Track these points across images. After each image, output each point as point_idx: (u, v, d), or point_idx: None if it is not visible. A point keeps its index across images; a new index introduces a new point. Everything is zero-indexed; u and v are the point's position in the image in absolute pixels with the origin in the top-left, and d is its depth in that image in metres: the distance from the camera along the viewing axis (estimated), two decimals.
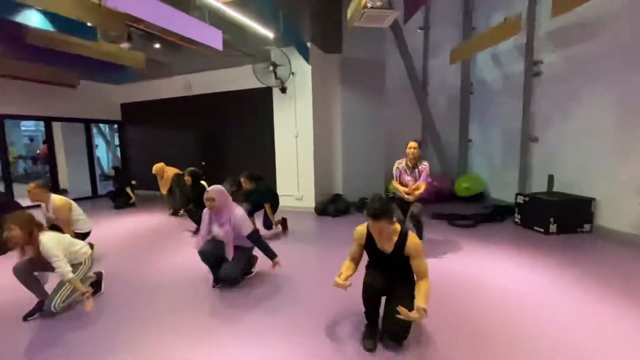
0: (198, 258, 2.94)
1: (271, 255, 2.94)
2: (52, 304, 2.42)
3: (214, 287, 2.96)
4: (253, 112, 6.94)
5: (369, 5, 3.37)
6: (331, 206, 5.81)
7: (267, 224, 4.59)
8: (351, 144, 6.56)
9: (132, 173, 8.44)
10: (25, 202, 4.25)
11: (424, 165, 3.78)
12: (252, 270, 3.23)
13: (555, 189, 4.93)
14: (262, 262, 3.31)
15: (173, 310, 2.59)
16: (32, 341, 2.21)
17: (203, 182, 4.78)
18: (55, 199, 3.39)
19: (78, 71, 6.66)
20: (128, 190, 6.90)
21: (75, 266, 2.54)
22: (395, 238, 2.03)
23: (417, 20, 7.28)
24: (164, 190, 6.01)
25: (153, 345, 2.13)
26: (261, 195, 4.49)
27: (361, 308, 2.12)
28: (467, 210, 5.60)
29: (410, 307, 1.85)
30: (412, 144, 3.75)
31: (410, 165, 3.81)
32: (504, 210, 5.33)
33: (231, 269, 2.87)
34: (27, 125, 13.75)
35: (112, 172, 7.39)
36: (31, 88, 6.69)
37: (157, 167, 5.93)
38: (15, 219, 2.35)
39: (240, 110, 7.17)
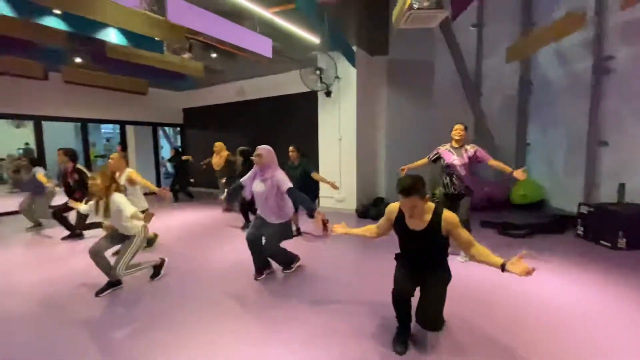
0: (244, 253, 3.15)
1: (311, 207, 2.84)
2: (117, 271, 2.82)
3: (255, 279, 3.15)
4: (299, 115, 7.17)
5: (415, 6, 3.26)
6: (373, 209, 5.79)
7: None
8: (396, 146, 6.45)
9: (191, 171, 9.19)
10: None
11: (474, 146, 3.60)
12: (292, 266, 3.37)
13: (626, 200, 4.39)
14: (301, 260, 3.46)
15: (214, 299, 2.82)
16: (96, 314, 2.58)
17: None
18: (129, 170, 3.97)
19: (147, 80, 7.46)
20: (185, 157, 7.83)
21: (129, 237, 2.91)
22: (429, 216, 1.96)
23: (470, 17, 6.94)
24: (217, 167, 6.46)
25: (187, 333, 2.35)
26: (306, 166, 4.61)
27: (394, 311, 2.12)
28: (523, 219, 5.18)
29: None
30: (458, 125, 3.61)
31: (456, 145, 3.64)
32: (564, 221, 4.87)
33: (270, 243, 3.06)
34: (107, 128, 15.55)
35: (172, 152, 8.19)
36: (109, 95, 7.64)
37: (219, 144, 6.45)
38: (99, 172, 2.85)
39: (288, 114, 7.46)
